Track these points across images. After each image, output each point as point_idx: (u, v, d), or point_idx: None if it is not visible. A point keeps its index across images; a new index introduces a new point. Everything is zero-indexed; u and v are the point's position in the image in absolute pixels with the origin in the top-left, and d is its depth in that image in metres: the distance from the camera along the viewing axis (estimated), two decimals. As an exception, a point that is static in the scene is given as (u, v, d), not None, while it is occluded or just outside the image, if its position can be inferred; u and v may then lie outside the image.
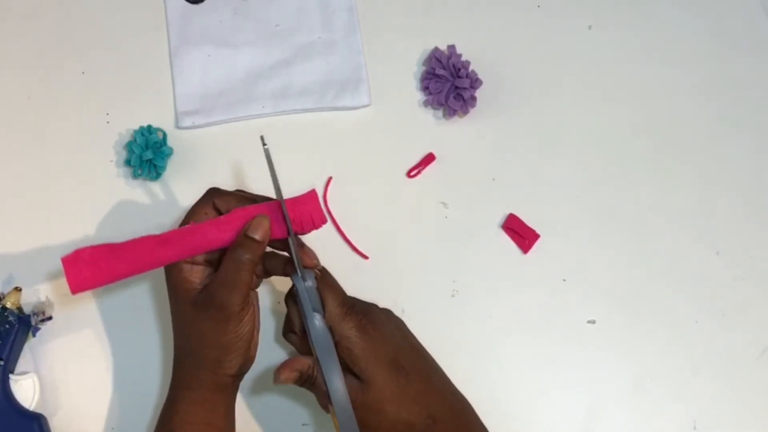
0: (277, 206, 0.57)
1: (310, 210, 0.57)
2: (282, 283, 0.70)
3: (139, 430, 0.66)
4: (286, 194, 0.57)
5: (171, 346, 0.68)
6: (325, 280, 0.57)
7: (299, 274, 0.56)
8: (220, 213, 0.58)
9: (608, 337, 0.70)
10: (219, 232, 0.56)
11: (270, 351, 0.68)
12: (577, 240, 0.72)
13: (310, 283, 0.56)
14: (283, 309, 0.60)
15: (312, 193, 0.58)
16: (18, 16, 0.77)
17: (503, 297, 0.71)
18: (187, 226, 0.57)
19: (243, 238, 0.55)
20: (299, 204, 0.58)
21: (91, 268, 0.55)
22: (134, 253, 0.56)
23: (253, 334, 0.58)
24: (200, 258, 0.57)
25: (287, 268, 0.58)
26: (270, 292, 0.70)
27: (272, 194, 0.57)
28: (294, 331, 0.59)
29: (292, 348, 0.68)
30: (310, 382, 0.56)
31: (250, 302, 0.57)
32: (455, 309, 0.70)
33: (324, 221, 0.58)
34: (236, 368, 0.58)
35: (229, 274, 0.55)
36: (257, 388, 0.68)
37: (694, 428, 0.68)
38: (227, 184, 0.67)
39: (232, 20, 0.78)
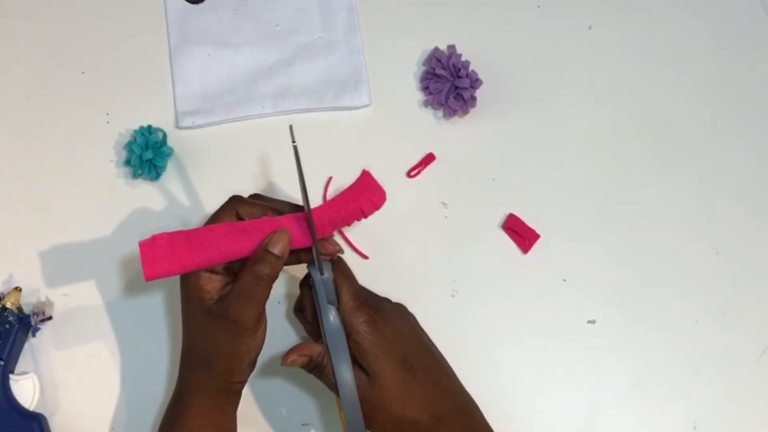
0: (320, 210, 0.56)
1: (369, 194, 0.57)
2: (287, 273, 0.70)
3: (140, 430, 0.66)
4: (285, 197, 0.57)
5: (171, 346, 0.68)
6: (341, 269, 0.58)
7: (317, 266, 0.56)
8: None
9: (608, 337, 0.70)
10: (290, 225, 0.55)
11: (271, 351, 0.68)
12: (577, 240, 0.72)
13: (327, 274, 0.56)
14: (289, 297, 0.59)
15: (366, 176, 0.58)
16: (18, 16, 0.77)
17: (503, 297, 0.71)
18: (264, 218, 0.56)
19: (262, 252, 0.55)
20: (362, 190, 0.57)
21: (168, 255, 0.54)
22: (211, 241, 0.54)
23: (263, 344, 0.58)
24: (219, 267, 0.56)
25: (302, 255, 0.58)
26: (275, 284, 0.69)
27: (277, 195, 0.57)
28: (306, 316, 0.60)
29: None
30: (319, 369, 0.56)
31: (263, 316, 0.57)
32: (455, 309, 0.70)
33: (384, 198, 0.57)
34: (245, 375, 0.58)
35: (246, 288, 0.55)
36: (258, 388, 0.68)
37: (694, 428, 0.68)
38: (227, 184, 0.67)
39: (232, 20, 0.78)
